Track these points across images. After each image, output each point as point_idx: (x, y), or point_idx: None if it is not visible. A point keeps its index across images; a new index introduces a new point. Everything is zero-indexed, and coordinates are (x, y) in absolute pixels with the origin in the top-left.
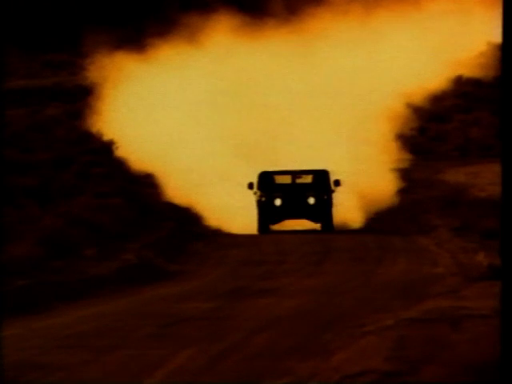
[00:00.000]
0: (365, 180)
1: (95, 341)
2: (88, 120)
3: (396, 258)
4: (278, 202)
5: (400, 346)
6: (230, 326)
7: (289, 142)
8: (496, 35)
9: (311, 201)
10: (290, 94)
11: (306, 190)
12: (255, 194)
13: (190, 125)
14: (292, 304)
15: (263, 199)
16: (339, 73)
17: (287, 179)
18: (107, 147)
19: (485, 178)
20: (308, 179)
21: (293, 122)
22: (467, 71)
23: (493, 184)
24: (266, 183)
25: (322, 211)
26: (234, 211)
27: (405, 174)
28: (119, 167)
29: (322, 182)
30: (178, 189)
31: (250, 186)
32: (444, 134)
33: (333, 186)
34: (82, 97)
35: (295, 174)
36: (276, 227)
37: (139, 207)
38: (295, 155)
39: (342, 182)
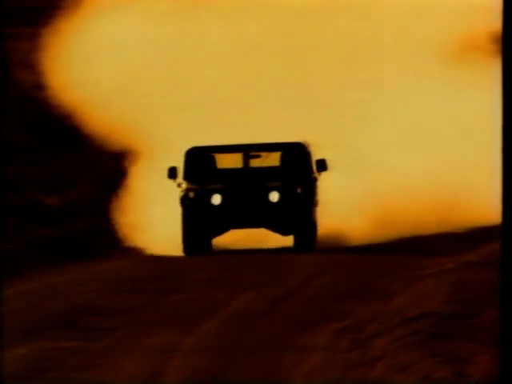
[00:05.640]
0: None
1: (152, 285)
2: None
3: None
4: (216, 199)
5: (460, 288)
6: (288, 270)
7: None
8: None
9: (275, 197)
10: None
11: (268, 177)
12: (179, 186)
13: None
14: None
15: (191, 195)
16: (363, 24)
17: (236, 160)
18: None
19: None
20: (273, 160)
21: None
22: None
23: None
24: (199, 168)
25: (295, 215)
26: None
27: None
28: None
29: (297, 165)
30: None
31: (172, 172)
32: None
33: (315, 171)
34: None
35: (250, 150)
36: (218, 243)
37: None
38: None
39: (328, 164)
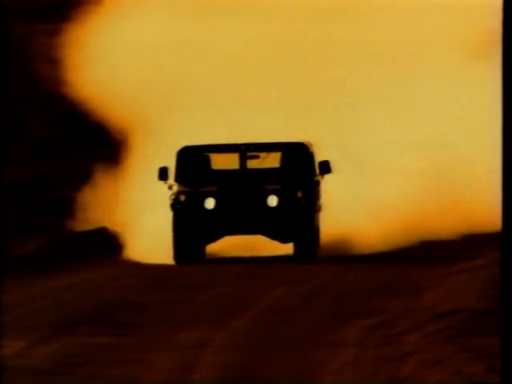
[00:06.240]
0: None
1: (185, 280)
2: None
3: None
4: (210, 203)
5: (491, 284)
6: (319, 267)
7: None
8: None
9: (273, 201)
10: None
11: (266, 180)
12: (170, 189)
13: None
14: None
15: (183, 199)
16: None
17: (232, 161)
18: None
19: None
20: (272, 161)
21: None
22: None
23: None
24: (192, 169)
25: (295, 221)
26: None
27: None
28: None
29: (298, 167)
30: None
31: (162, 173)
32: None
33: (318, 174)
34: None
35: (247, 150)
36: (212, 251)
37: None
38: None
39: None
